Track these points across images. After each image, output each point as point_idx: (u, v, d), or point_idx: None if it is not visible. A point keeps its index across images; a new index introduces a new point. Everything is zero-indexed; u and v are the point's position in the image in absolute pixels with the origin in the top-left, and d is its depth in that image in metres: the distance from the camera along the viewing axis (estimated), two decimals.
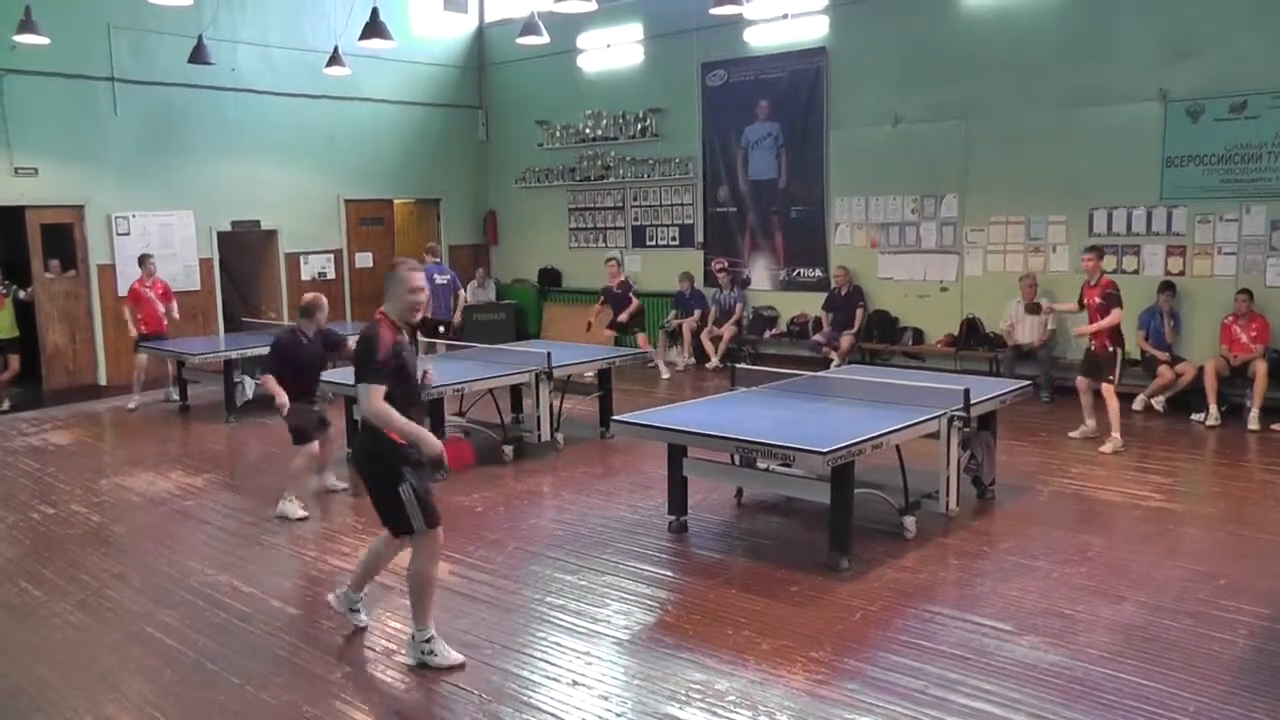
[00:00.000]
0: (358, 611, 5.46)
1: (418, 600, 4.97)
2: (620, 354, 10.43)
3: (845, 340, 12.79)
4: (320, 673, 4.98)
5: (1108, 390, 8.96)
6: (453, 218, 17.45)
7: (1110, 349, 8.96)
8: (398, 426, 4.77)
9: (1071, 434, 9.41)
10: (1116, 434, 8.94)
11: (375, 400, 4.74)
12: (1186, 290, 10.70)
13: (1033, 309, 10.85)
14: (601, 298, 14.03)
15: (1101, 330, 8.94)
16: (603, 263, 15.96)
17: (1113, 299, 8.92)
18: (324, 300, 8.04)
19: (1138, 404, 10.45)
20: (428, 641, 4.96)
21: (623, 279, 13.94)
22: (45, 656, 5.25)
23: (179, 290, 13.88)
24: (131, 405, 11.85)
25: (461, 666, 4.92)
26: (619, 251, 15.58)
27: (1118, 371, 8.97)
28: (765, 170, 14.17)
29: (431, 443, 4.86)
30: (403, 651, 5.13)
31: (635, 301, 13.82)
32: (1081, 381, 9.35)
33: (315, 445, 7.72)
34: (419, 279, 4.96)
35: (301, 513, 7.51)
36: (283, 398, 7.49)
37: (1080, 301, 9.29)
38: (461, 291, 13.84)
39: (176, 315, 12.29)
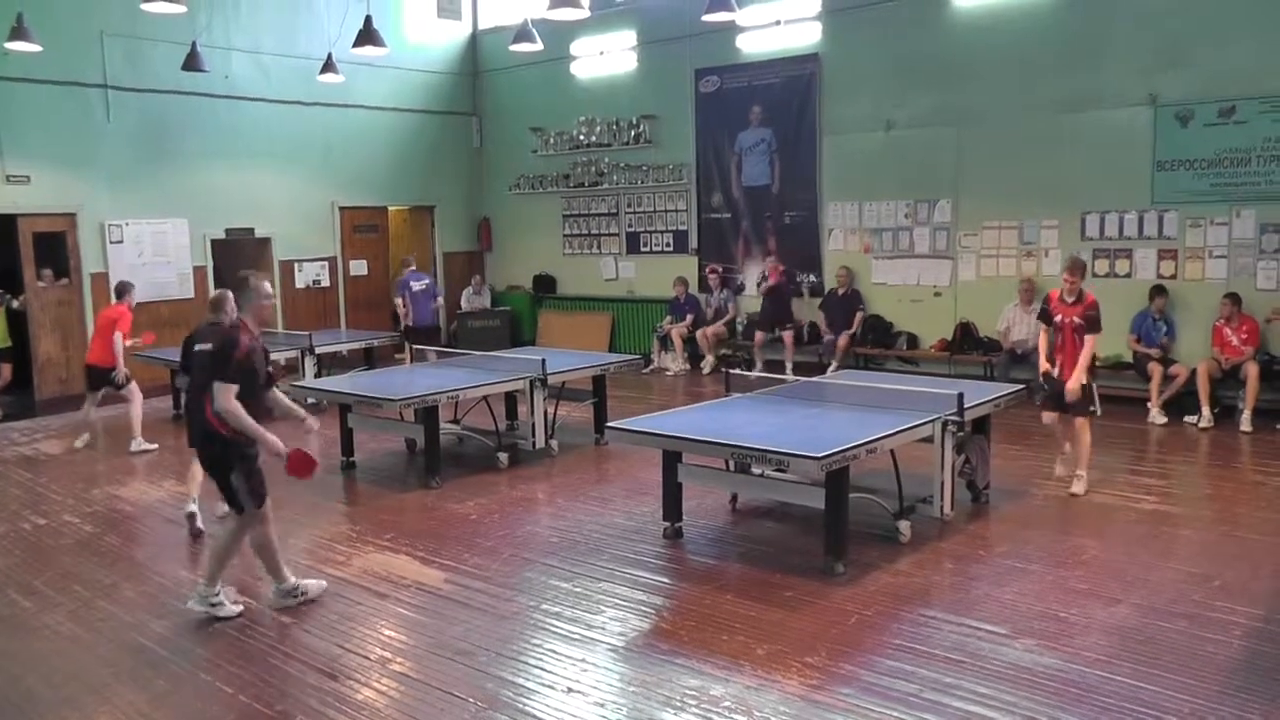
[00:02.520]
0: (220, 604, 5.77)
1: (222, 561, 5.82)
2: (614, 360, 10.43)
3: (842, 340, 12.79)
4: (314, 682, 4.97)
5: (1081, 424, 7.74)
6: (447, 224, 17.44)
7: (1083, 380, 7.71)
8: (245, 426, 5.50)
9: (1058, 470, 8.17)
10: (1083, 470, 7.79)
11: (228, 398, 5.45)
12: (1178, 294, 10.73)
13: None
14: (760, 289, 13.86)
15: (1075, 360, 7.70)
16: (599, 268, 16.06)
17: (1095, 322, 7.69)
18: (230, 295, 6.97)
19: (1157, 418, 10.17)
20: (214, 596, 5.74)
21: (781, 270, 13.63)
22: (35, 668, 5.23)
23: (174, 299, 13.95)
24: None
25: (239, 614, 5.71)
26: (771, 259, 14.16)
27: (1096, 400, 7.86)
28: (759, 176, 14.18)
29: (271, 442, 5.55)
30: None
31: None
32: (1049, 416, 8.02)
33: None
34: (268, 287, 5.84)
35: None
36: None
37: (1046, 318, 7.99)
38: (440, 299, 13.87)
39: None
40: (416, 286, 13.17)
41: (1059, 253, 11.55)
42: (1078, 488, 7.74)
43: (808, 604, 5.74)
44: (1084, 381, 7.64)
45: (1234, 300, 10.10)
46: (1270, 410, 9.85)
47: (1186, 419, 10.06)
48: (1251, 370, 9.79)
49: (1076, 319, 7.74)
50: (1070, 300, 7.80)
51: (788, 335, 13.29)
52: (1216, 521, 7.21)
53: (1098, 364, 8.18)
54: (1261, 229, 10.32)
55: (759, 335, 13.54)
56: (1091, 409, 7.77)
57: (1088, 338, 7.67)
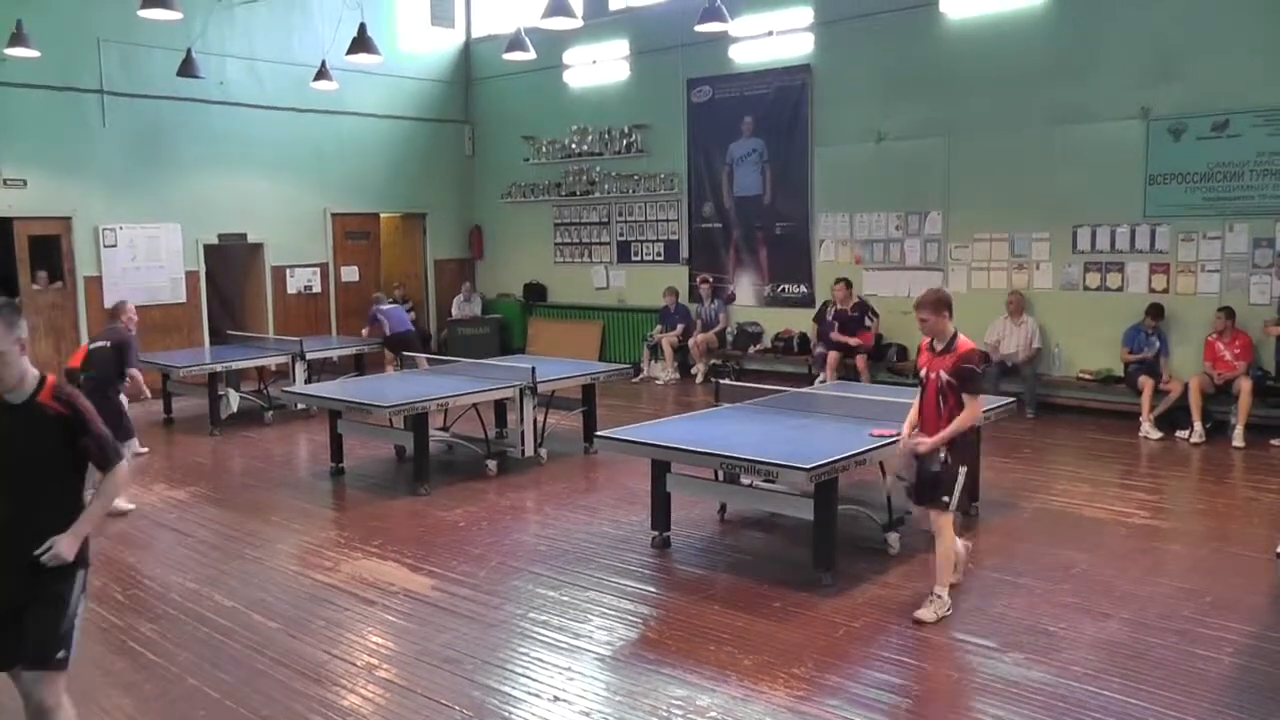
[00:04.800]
0: None
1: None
2: (604, 369, 10.42)
3: (833, 356, 12.75)
4: (300, 688, 4.94)
5: (941, 521, 5.56)
6: (439, 232, 17.43)
7: (946, 459, 5.49)
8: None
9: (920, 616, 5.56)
10: (940, 588, 5.58)
11: None
12: (1171, 308, 10.72)
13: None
14: (832, 320, 12.70)
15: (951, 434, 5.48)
16: (590, 277, 16.05)
17: (972, 380, 5.49)
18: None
19: (1149, 432, 10.10)
20: None
21: (857, 300, 12.69)
22: None
23: (166, 303, 13.94)
24: None
25: None
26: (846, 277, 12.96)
27: (956, 492, 5.55)
28: (750, 186, 14.20)
29: None
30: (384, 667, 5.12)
31: (869, 328, 12.46)
32: (921, 510, 5.87)
33: None
34: None
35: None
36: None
37: (916, 373, 5.95)
38: (413, 313, 14.23)
39: None
40: (387, 305, 13.61)
41: (1050, 266, 11.58)
42: (925, 612, 5.51)
43: (795, 615, 5.73)
44: (946, 459, 5.50)
45: (1228, 314, 10.10)
46: (1262, 425, 9.85)
47: (1178, 434, 10.06)
48: (1244, 385, 9.78)
49: (944, 374, 5.54)
50: (939, 347, 5.68)
51: (860, 360, 12.30)
52: (1208, 537, 7.21)
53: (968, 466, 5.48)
54: (1255, 243, 10.33)
55: (832, 355, 12.36)
56: (946, 499, 5.52)
57: (967, 400, 5.49)
